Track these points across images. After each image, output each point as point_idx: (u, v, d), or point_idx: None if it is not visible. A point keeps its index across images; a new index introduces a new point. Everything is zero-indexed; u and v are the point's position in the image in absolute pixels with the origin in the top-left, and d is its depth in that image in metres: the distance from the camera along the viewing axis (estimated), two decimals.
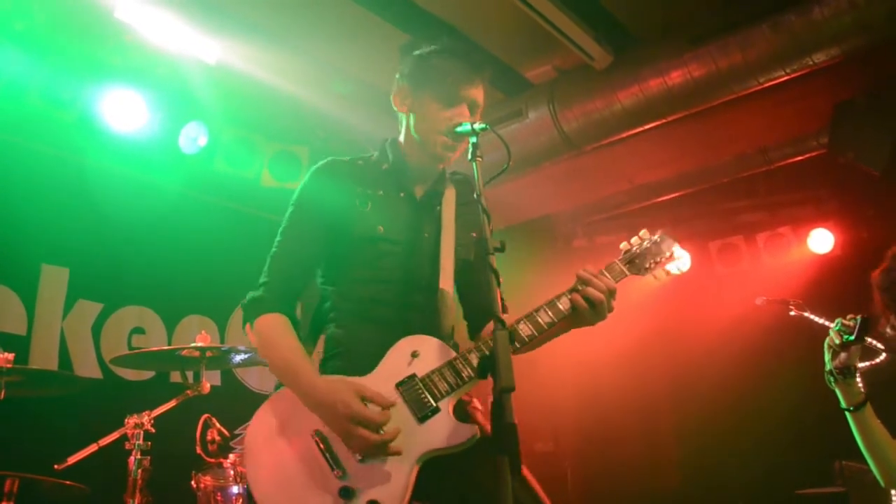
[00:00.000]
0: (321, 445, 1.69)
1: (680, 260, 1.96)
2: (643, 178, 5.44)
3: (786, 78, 3.68)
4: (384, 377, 1.75)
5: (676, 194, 5.43)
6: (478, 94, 1.92)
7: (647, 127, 4.27)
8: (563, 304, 1.79)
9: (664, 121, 4.19)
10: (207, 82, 4.04)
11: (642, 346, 5.76)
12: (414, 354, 1.76)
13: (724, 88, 3.83)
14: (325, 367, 1.84)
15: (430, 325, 1.82)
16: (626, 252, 1.92)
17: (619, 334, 5.65)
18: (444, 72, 1.90)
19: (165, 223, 4.44)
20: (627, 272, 1.88)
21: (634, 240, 1.95)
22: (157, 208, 4.38)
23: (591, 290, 1.79)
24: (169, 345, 4.33)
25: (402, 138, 1.99)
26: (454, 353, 1.75)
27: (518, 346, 1.76)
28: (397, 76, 1.99)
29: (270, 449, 1.71)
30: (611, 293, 1.80)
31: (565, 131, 4.34)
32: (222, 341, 4.70)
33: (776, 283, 5.14)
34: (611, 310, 1.81)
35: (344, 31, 4.02)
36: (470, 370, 1.72)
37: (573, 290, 1.80)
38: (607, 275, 1.83)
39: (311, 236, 1.87)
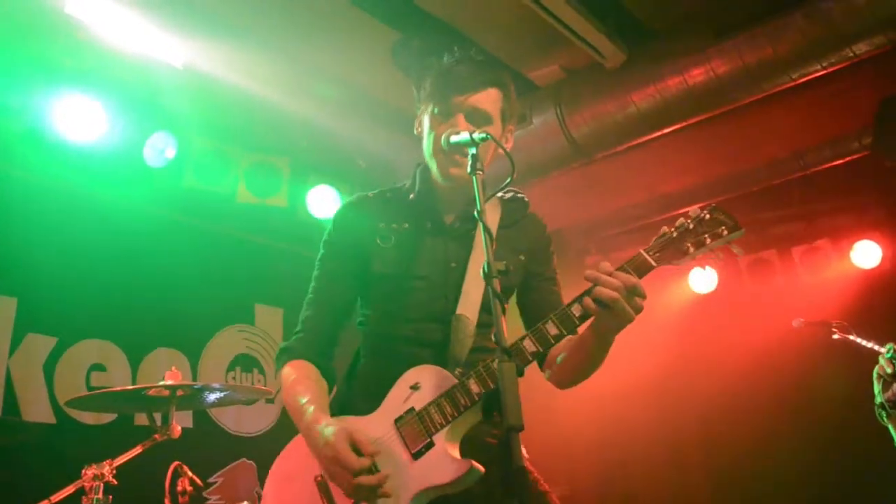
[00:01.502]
0: (321, 489, 1.80)
1: (738, 234, 1.74)
2: (663, 187, 5.44)
3: (823, 72, 3.64)
4: (385, 414, 1.84)
5: (700, 205, 5.39)
6: (479, 101, 1.93)
7: (665, 131, 4.27)
8: (576, 311, 1.75)
9: (685, 124, 4.20)
10: (175, 87, 4.02)
11: (666, 376, 5.74)
12: (414, 387, 1.82)
13: (753, 86, 3.82)
14: (336, 406, 1.94)
15: (441, 353, 1.87)
16: (658, 238, 1.78)
17: (641, 362, 5.67)
18: (436, 82, 1.96)
19: (128, 245, 4.43)
20: (655, 262, 1.74)
21: (679, 222, 1.78)
22: (119, 229, 4.37)
23: (600, 289, 1.70)
24: (133, 383, 4.32)
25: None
26: (454, 381, 1.78)
27: (521, 364, 1.73)
28: (416, 99, 2.10)
29: (282, 491, 1.88)
30: (630, 290, 1.69)
31: (574, 137, 4.35)
32: (195, 378, 4.68)
33: (815, 303, 5.11)
34: (637, 309, 1.71)
35: (329, 30, 4.03)
36: (467, 399, 1.75)
37: (584, 293, 1.75)
38: (628, 269, 1.73)
39: (340, 280, 2.00)
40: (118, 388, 3.12)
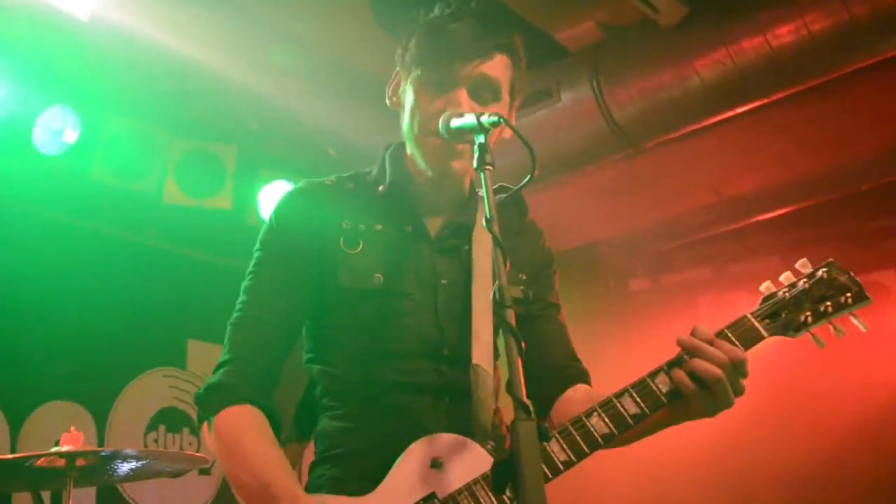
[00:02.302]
0: None
1: (865, 303, 1.87)
2: (735, 187, 5.41)
3: None
4: (392, 497, 1.81)
5: (786, 210, 5.41)
6: (487, 71, 1.95)
7: (738, 111, 4.23)
8: (662, 385, 1.80)
9: (765, 101, 4.15)
10: (78, 47, 4.00)
11: (736, 437, 5.53)
12: (434, 464, 1.82)
13: (862, 48, 3.80)
14: (313, 478, 1.95)
15: (460, 415, 1.88)
16: (766, 299, 1.87)
17: (699, 422, 5.53)
18: (428, 43, 1.98)
19: (9, 259, 4.33)
20: (767, 332, 1.82)
21: (785, 276, 1.89)
22: None
23: (700, 363, 1.74)
24: (13, 451, 4.17)
25: (406, 147, 2.10)
26: (490, 460, 1.79)
27: (588, 451, 1.78)
28: (396, 57, 2.09)
29: None
30: (736, 367, 1.74)
31: (616, 119, 4.31)
32: (102, 443, 4.62)
33: None
34: (739, 392, 1.76)
35: None
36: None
37: (674, 363, 1.79)
38: (731, 338, 1.79)
39: (286, 294, 1.97)
40: None
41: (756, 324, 1.82)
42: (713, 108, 4.19)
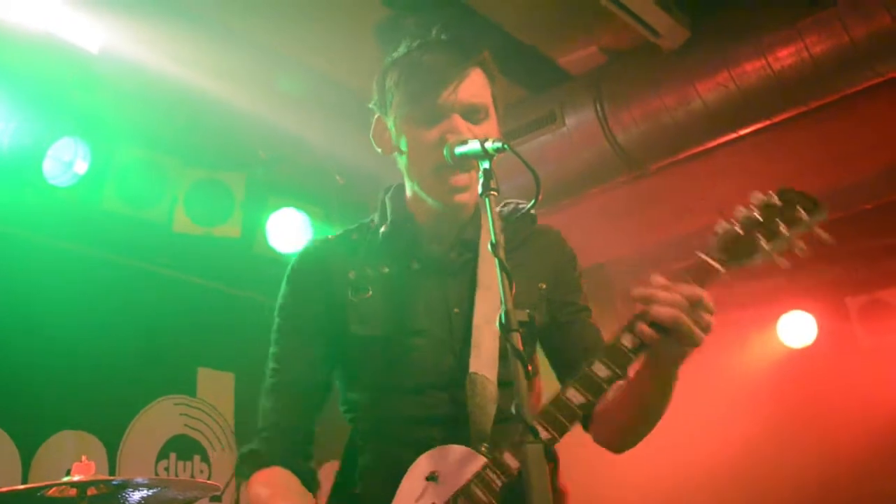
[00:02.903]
0: None
1: (821, 215, 1.82)
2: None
3: None
4: None
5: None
6: (469, 90, 1.97)
7: (742, 133, 4.24)
8: (628, 343, 1.77)
9: (768, 122, 4.16)
10: (88, 80, 4.01)
11: (749, 456, 5.61)
12: (431, 477, 1.83)
13: (863, 69, 3.78)
14: None
15: (458, 427, 1.89)
16: (719, 237, 1.82)
17: (716, 438, 5.65)
18: (409, 79, 2.00)
19: (20, 290, 4.32)
20: (721, 267, 1.77)
21: (742, 213, 1.83)
22: (8, 267, 4.30)
23: (657, 309, 1.71)
24: (25, 482, 4.17)
25: (405, 186, 2.12)
26: (483, 460, 1.80)
27: (568, 423, 1.75)
28: (370, 105, 2.13)
29: None
30: (694, 304, 1.71)
31: (620, 142, 4.32)
32: (113, 471, 4.57)
33: None
34: (706, 328, 1.73)
35: (296, 6, 4.03)
36: (505, 477, 1.76)
37: (635, 318, 1.77)
38: (689, 280, 1.76)
39: (308, 356, 2.04)
40: (3, 490, 3.00)
41: (709, 260, 1.77)
42: (716, 130, 4.19)
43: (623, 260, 6.03)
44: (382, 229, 2.08)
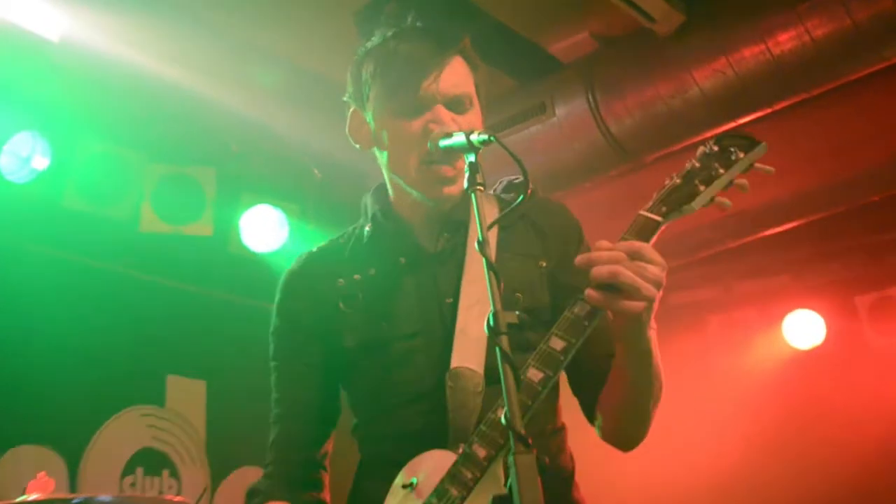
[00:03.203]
0: None
1: (758, 149, 1.87)
2: (740, 201, 5.26)
3: None
4: None
5: (795, 223, 5.34)
6: (451, 79, 1.99)
7: (741, 122, 4.23)
8: (580, 311, 1.78)
9: (768, 111, 4.16)
10: (48, 71, 3.99)
11: (754, 464, 5.63)
12: (408, 485, 1.86)
13: (868, 54, 3.77)
14: None
15: (437, 430, 1.89)
16: (659, 191, 1.87)
17: (719, 445, 5.67)
18: (389, 70, 2.01)
19: None
20: (661, 217, 1.81)
21: (684, 167, 1.89)
22: None
23: (596, 270, 1.73)
24: None
25: (386, 182, 2.15)
26: (454, 456, 1.82)
27: (531, 402, 1.75)
28: (345, 98, 2.15)
29: None
30: (633, 256, 1.73)
31: (613, 133, 4.31)
32: (74, 488, 4.54)
33: None
34: (654, 281, 1.73)
35: None
36: (476, 470, 1.77)
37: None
38: (628, 238, 1.79)
39: (308, 380, 2.09)
40: None
41: (648, 214, 1.81)
42: (714, 119, 4.18)
43: None
44: (367, 229, 2.11)
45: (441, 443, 1.87)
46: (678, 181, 1.84)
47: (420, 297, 2.02)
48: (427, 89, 1.95)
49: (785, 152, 4.74)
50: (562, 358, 1.75)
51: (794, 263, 5.52)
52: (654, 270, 1.72)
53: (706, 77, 4.00)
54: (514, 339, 1.66)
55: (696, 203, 1.82)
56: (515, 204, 1.80)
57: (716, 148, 1.85)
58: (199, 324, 5.09)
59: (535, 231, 2.11)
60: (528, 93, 4.57)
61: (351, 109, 2.13)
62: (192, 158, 4.77)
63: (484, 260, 1.63)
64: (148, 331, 4.93)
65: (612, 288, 1.71)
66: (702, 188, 1.81)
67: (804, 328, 5.97)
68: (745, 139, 1.87)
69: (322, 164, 5.03)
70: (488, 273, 1.61)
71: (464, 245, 2.06)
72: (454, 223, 2.07)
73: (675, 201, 1.82)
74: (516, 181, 2.17)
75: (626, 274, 1.69)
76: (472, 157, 1.75)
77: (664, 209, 1.81)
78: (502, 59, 4.47)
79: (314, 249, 2.20)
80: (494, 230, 2.04)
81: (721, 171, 1.82)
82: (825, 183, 5.08)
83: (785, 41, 3.78)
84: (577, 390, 2.09)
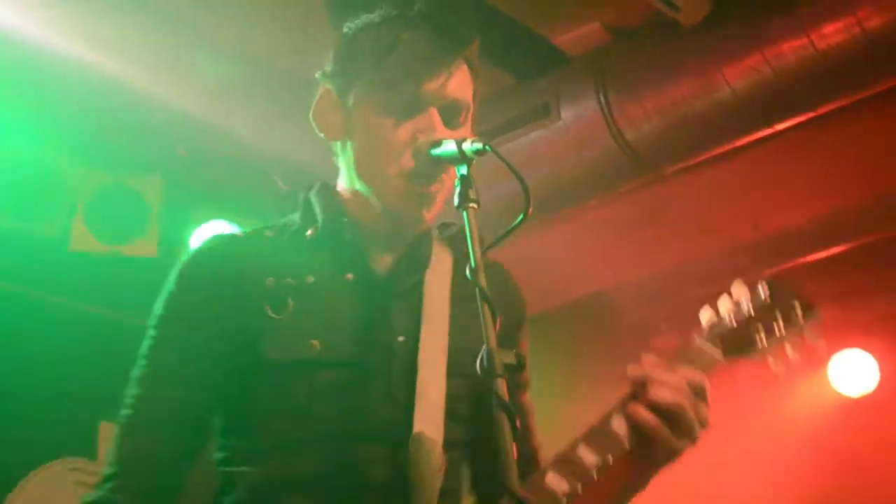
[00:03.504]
0: None
1: (813, 317, 2.06)
2: (777, 220, 5.43)
3: None
4: None
5: (842, 248, 5.43)
6: (456, 86, 2.02)
7: (778, 128, 4.24)
8: (619, 428, 1.87)
9: (812, 115, 4.15)
10: None
11: None
12: None
13: None
14: None
15: (394, 498, 1.86)
16: (712, 322, 2.04)
17: (756, 498, 5.68)
18: (390, 56, 2.01)
19: None
20: (721, 354, 1.98)
21: (723, 302, 2.06)
22: None
23: (658, 392, 1.83)
24: None
25: (342, 183, 2.14)
26: None
27: None
28: (318, 75, 2.14)
29: None
30: (697, 391, 1.86)
31: (628, 140, 4.31)
32: None
33: None
34: (704, 423, 1.87)
35: None
36: None
37: (628, 399, 1.89)
38: (686, 361, 1.93)
39: (189, 380, 1.96)
40: None
41: (708, 345, 1.98)
42: (747, 124, 4.20)
43: (632, 286, 6.08)
44: (309, 232, 2.06)
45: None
46: (735, 324, 2.00)
47: (366, 324, 1.98)
48: (429, 90, 1.96)
49: (833, 163, 4.80)
50: (593, 473, 1.82)
51: (840, 295, 5.48)
52: (706, 414, 1.85)
53: (738, 75, 3.99)
54: (455, 405, 1.81)
55: (756, 355, 2.00)
56: (515, 225, 1.78)
57: (769, 298, 2.02)
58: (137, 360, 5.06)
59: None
60: (529, 92, 4.57)
61: (322, 88, 2.11)
62: (133, 166, 4.79)
63: (477, 289, 1.64)
64: (78, 369, 4.88)
65: (665, 416, 1.82)
66: (763, 341, 2.00)
67: (853, 371, 5.95)
68: (802, 298, 2.05)
69: (286, 173, 5.04)
70: (481, 303, 1.63)
71: (422, 283, 2.06)
72: (419, 259, 2.08)
73: (735, 345, 2.00)
74: (452, 225, 2.17)
75: (690, 410, 1.82)
76: (463, 170, 1.77)
77: (721, 346, 1.99)
78: (498, 51, 4.46)
79: (236, 233, 2.18)
80: (447, 284, 2.07)
81: (782, 327, 2.01)
82: (878, 200, 5.12)
83: (831, 33, 3.77)
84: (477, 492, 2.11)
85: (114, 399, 5.32)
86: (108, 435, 4.94)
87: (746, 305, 2.02)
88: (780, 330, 2.01)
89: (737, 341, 2.00)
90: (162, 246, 4.85)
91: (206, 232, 4.93)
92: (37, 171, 4.53)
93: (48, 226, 4.60)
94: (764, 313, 2.01)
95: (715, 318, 2.03)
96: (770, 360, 2.02)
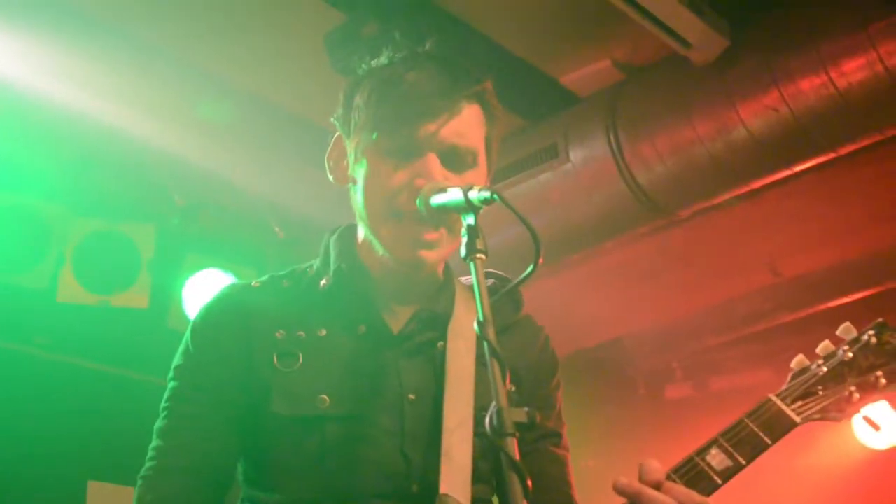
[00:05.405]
0: None
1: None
2: (796, 265, 5.41)
3: None
4: None
5: (863, 294, 5.42)
6: (460, 128, 2.02)
7: (797, 169, 4.24)
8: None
9: (833, 155, 4.15)
10: None
11: None
12: None
13: None
14: None
15: None
16: (796, 375, 1.95)
17: None
18: (385, 97, 2.04)
19: None
20: (799, 418, 1.88)
21: (822, 346, 1.97)
22: None
23: None
24: None
25: (359, 231, 2.16)
26: None
27: None
28: (333, 118, 2.19)
29: None
30: None
31: (640, 183, 4.33)
32: None
33: None
34: None
35: (224, 9, 4.06)
36: None
37: None
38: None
39: (211, 431, 2.01)
40: None
41: (783, 407, 1.86)
42: (765, 166, 4.20)
43: (646, 334, 6.09)
44: (323, 282, 2.09)
45: None
46: (826, 372, 1.91)
47: (377, 380, 2.01)
48: (425, 133, 1.97)
49: (854, 206, 4.79)
50: None
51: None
52: None
53: (755, 114, 4.00)
54: (479, 465, 1.81)
55: (844, 416, 1.91)
56: (524, 276, 1.79)
57: (873, 340, 1.94)
58: (129, 417, 4.86)
59: (512, 351, 2.05)
60: (537, 132, 4.59)
61: (336, 135, 2.15)
62: (125, 213, 4.81)
63: (486, 344, 1.62)
64: (66, 426, 4.87)
65: None
66: (855, 396, 1.91)
67: (879, 423, 5.87)
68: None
69: (284, 221, 5.08)
70: (490, 360, 1.61)
71: (443, 347, 2.06)
72: (433, 317, 2.08)
73: (820, 405, 1.89)
74: (506, 280, 2.19)
75: None
76: (470, 219, 1.76)
77: (801, 406, 1.88)
78: (505, 91, 4.43)
79: (252, 283, 2.16)
80: (473, 343, 2.05)
81: (884, 381, 1.93)
82: None
83: (852, 71, 3.78)
84: None
85: (102, 457, 5.33)
86: (96, 494, 4.98)
87: (843, 350, 1.96)
88: (879, 380, 1.93)
89: (824, 399, 1.91)
90: (152, 296, 4.88)
91: (199, 281, 4.96)
92: (24, 219, 4.55)
93: (35, 276, 4.60)
94: (864, 359, 1.95)
95: (804, 364, 1.97)
96: (864, 420, 2.04)
